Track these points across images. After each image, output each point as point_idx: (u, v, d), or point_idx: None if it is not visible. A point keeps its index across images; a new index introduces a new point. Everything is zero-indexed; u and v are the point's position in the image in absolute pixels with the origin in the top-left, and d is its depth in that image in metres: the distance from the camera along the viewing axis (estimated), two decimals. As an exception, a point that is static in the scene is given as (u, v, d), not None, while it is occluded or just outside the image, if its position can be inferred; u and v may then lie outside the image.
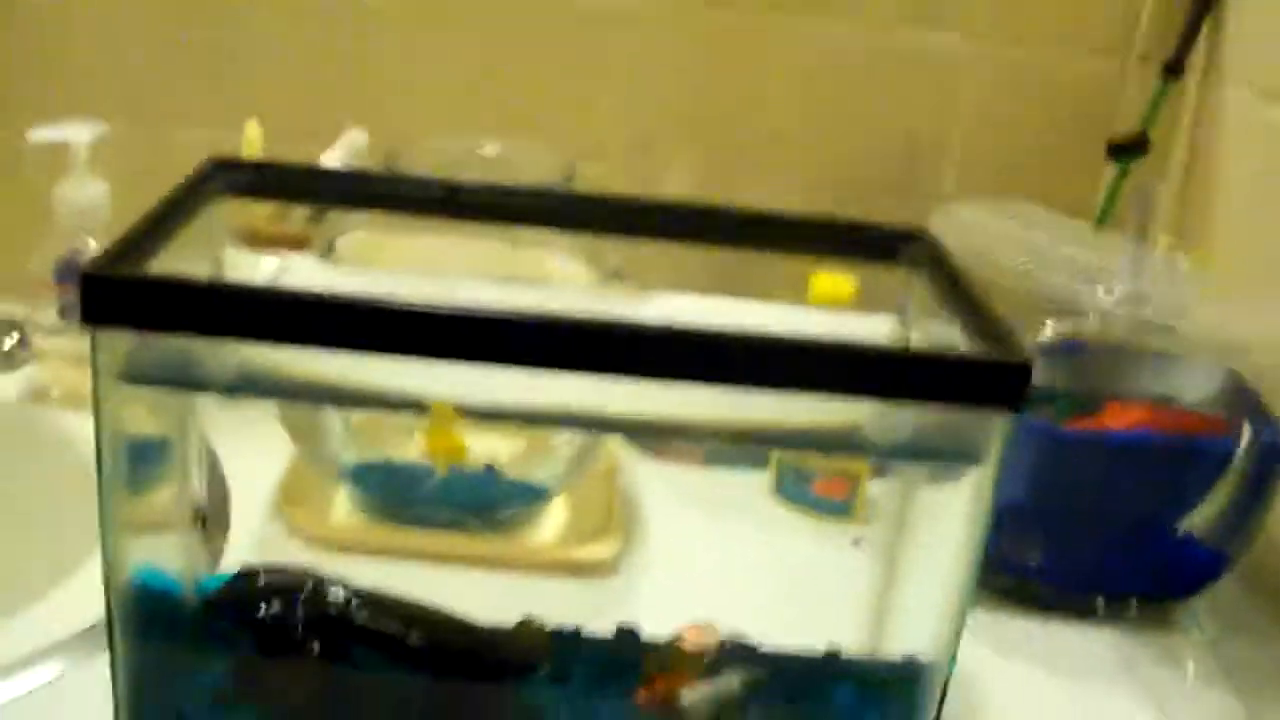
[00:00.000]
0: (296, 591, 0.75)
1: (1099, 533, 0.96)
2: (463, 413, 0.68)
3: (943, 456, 0.68)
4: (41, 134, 1.00)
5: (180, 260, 0.68)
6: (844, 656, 0.82)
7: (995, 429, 0.64)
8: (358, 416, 0.99)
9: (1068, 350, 0.97)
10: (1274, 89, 1.10)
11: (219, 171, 0.78)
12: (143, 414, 0.72)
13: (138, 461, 0.70)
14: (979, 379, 0.62)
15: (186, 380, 0.66)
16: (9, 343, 1.12)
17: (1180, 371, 0.95)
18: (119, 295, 0.60)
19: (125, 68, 1.22)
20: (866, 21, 1.22)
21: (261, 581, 0.76)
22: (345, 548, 0.95)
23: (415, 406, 0.67)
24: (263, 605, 0.74)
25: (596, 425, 0.83)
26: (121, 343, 0.62)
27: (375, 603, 0.75)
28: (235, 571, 0.77)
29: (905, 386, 0.62)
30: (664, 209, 0.81)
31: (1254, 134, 1.12)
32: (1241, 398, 0.94)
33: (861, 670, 0.81)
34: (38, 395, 1.10)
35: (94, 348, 0.62)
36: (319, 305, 0.60)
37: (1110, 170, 1.23)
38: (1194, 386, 0.96)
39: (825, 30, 1.22)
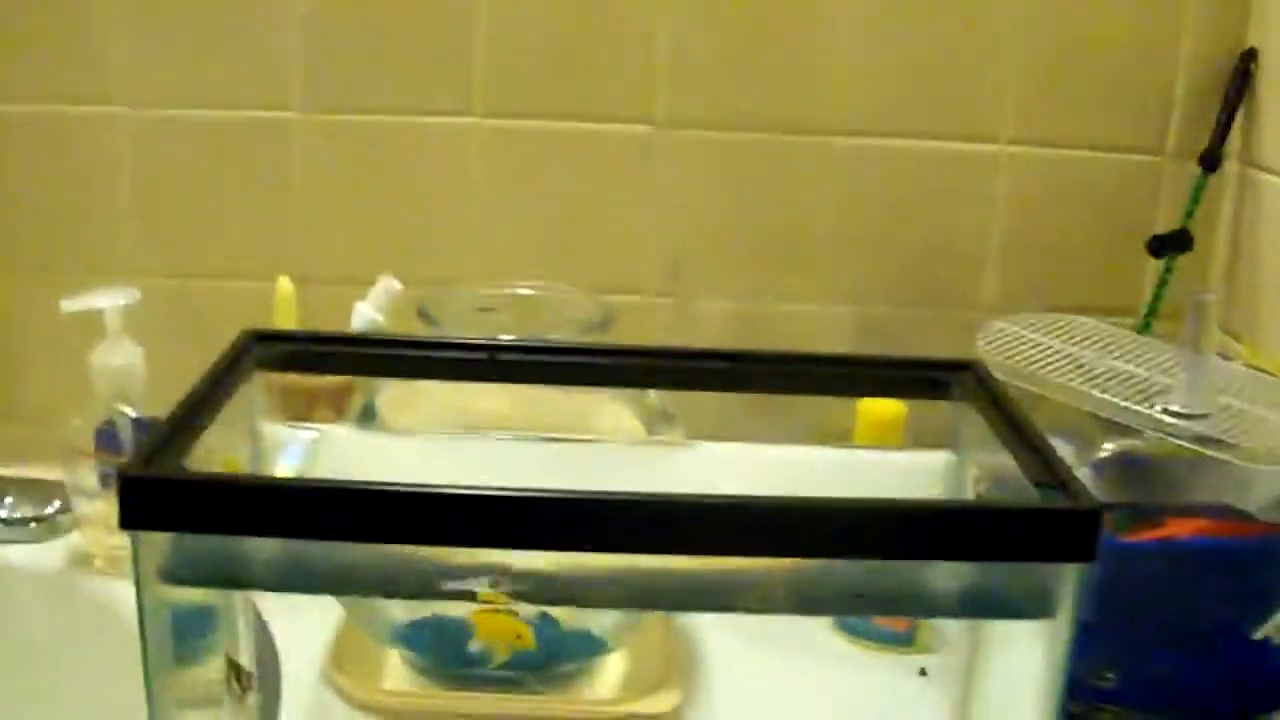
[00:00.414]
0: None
1: (1172, 648, 0.92)
2: (513, 597, 0.66)
3: (1012, 613, 0.65)
4: (74, 304, 1.00)
5: (219, 442, 0.66)
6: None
7: (1067, 580, 0.62)
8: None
9: (1127, 464, 0.95)
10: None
11: (254, 345, 0.77)
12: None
13: (184, 633, 0.69)
14: (1047, 530, 0.60)
15: (229, 578, 0.64)
16: (50, 509, 1.11)
17: (1243, 481, 0.92)
18: (157, 497, 0.59)
19: (160, 222, 1.22)
20: (898, 133, 1.21)
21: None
22: (398, 714, 0.92)
23: (467, 596, 0.65)
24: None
25: (643, 602, 0.80)
26: (163, 543, 0.61)
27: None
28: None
29: (967, 545, 0.60)
30: (704, 356, 0.79)
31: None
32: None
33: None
34: (80, 562, 1.09)
35: (135, 550, 0.60)
36: (352, 497, 0.59)
37: (1153, 269, 1.21)
38: (1257, 494, 0.93)
39: (857, 144, 1.21)
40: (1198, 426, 0.85)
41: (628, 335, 1.02)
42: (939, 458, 0.79)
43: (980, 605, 0.66)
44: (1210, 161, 1.19)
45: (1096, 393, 0.89)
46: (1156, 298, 1.19)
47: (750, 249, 1.23)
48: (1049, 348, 0.96)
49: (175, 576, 0.62)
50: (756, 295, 1.22)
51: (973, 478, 0.77)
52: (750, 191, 1.21)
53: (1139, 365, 0.93)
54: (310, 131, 1.20)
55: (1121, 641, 0.92)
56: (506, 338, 0.81)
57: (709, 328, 1.21)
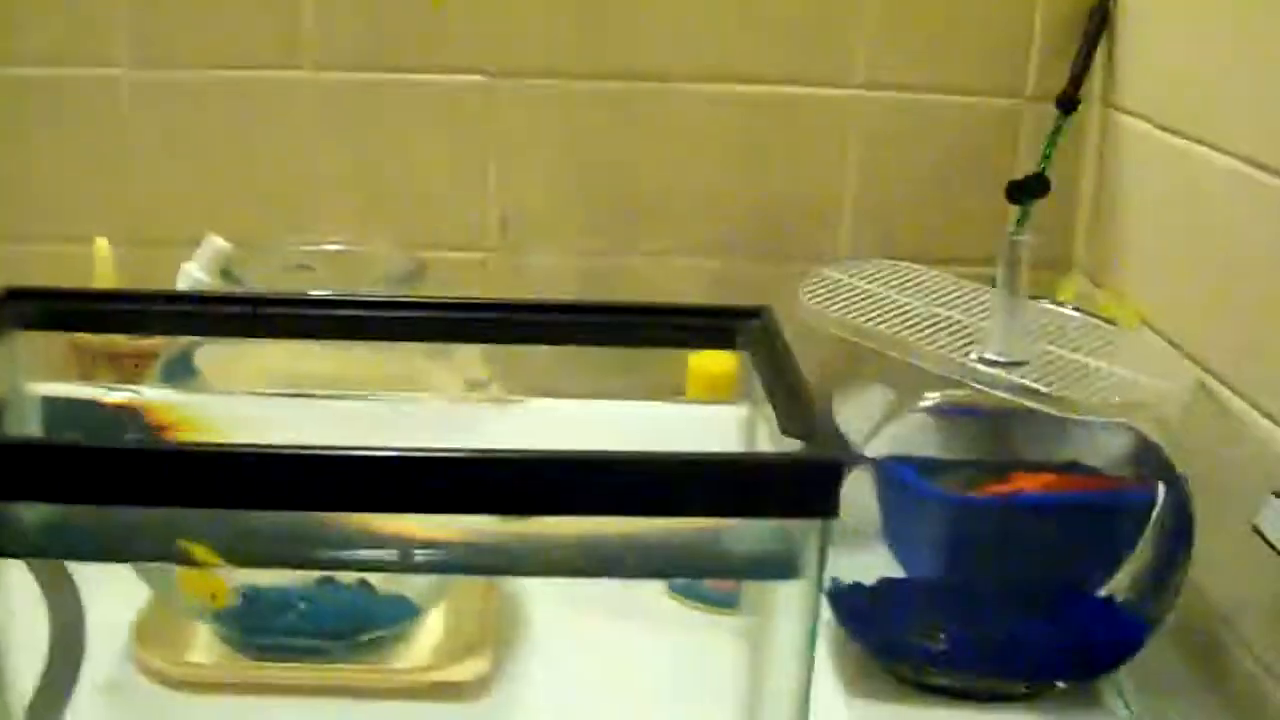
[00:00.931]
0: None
1: (1014, 607, 0.90)
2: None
3: (757, 572, 0.62)
4: None
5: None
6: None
7: (811, 538, 0.58)
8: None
9: (963, 414, 0.91)
10: (1172, 121, 1.04)
11: (12, 302, 0.72)
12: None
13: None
14: (786, 482, 0.56)
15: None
16: None
17: (1085, 434, 0.89)
18: None
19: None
20: (747, 79, 1.17)
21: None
22: (202, 688, 0.88)
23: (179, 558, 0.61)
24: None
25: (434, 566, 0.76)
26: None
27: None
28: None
29: (702, 498, 0.56)
30: (513, 308, 0.75)
31: (1156, 165, 1.07)
32: (1149, 456, 0.88)
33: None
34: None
35: None
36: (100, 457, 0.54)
37: (1012, 216, 1.18)
38: (1100, 449, 0.90)
39: (702, 89, 1.17)
40: (1011, 375, 0.81)
41: (457, 292, 0.98)
42: (739, 409, 0.75)
43: (722, 564, 0.62)
44: (1068, 104, 1.15)
45: (912, 339, 0.85)
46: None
47: (591, 202, 1.19)
48: (874, 295, 0.93)
49: None
50: (598, 251, 1.18)
51: (768, 433, 0.73)
52: (591, 142, 1.18)
53: (966, 313, 0.89)
54: (137, 89, 1.15)
55: (958, 600, 0.89)
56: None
57: (544, 286, 1.17)
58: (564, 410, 0.80)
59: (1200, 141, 0.97)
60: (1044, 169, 1.15)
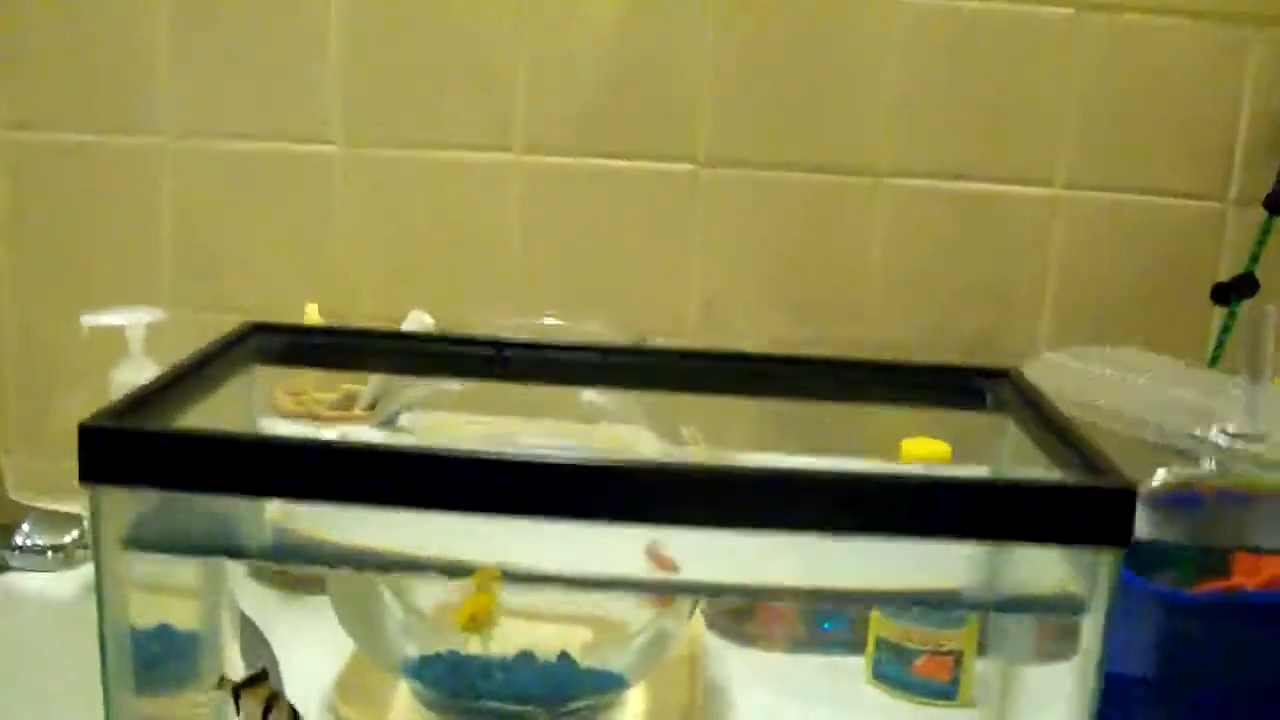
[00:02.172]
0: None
1: (1244, 712, 0.85)
2: (509, 577, 0.61)
3: (1046, 606, 0.60)
4: (96, 319, 0.98)
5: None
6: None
7: (1101, 569, 0.56)
8: (418, 606, 0.92)
9: (1185, 502, 0.89)
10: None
11: (256, 335, 0.74)
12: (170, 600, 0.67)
13: (164, 657, 0.65)
14: (1078, 509, 0.55)
15: (195, 546, 0.60)
16: (68, 539, 1.08)
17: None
18: (121, 449, 0.55)
19: (195, 254, 1.20)
20: (948, 174, 1.17)
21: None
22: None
23: (458, 571, 0.61)
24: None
25: (681, 589, 0.75)
26: (127, 505, 0.57)
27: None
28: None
29: (993, 522, 0.55)
30: (736, 359, 0.76)
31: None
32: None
33: None
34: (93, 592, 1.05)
35: (94, 511, 0.57)
36: (342, 455, 0.55)
37: (1216, 319, 1.16)
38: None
39: (905, 185, 1.17)
40: (1256, 447, 0.79)
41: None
42: (980, 471, 0.74)
43: (1007, 598, 0.61)
44: (1276, 204, 1.14)
45: (1147, 416, 0.83)
46: (1219, 344, 1.14)
47: (791, 291, 1.19)
48: (1098, 375, 0.91)
49: (139, 542, 0.58)
50: (799, 339, 1.18)
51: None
52: (794, 233, 1.18)
53: (1195, 392, 0.87)
54: (349, 166, 1.18)
55: (1187, 704, 0.85)
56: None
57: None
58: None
59: None
60: (1252, 270, 1.14)
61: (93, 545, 0.57)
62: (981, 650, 0.95)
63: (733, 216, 1.18)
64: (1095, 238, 1.18)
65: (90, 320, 0.98)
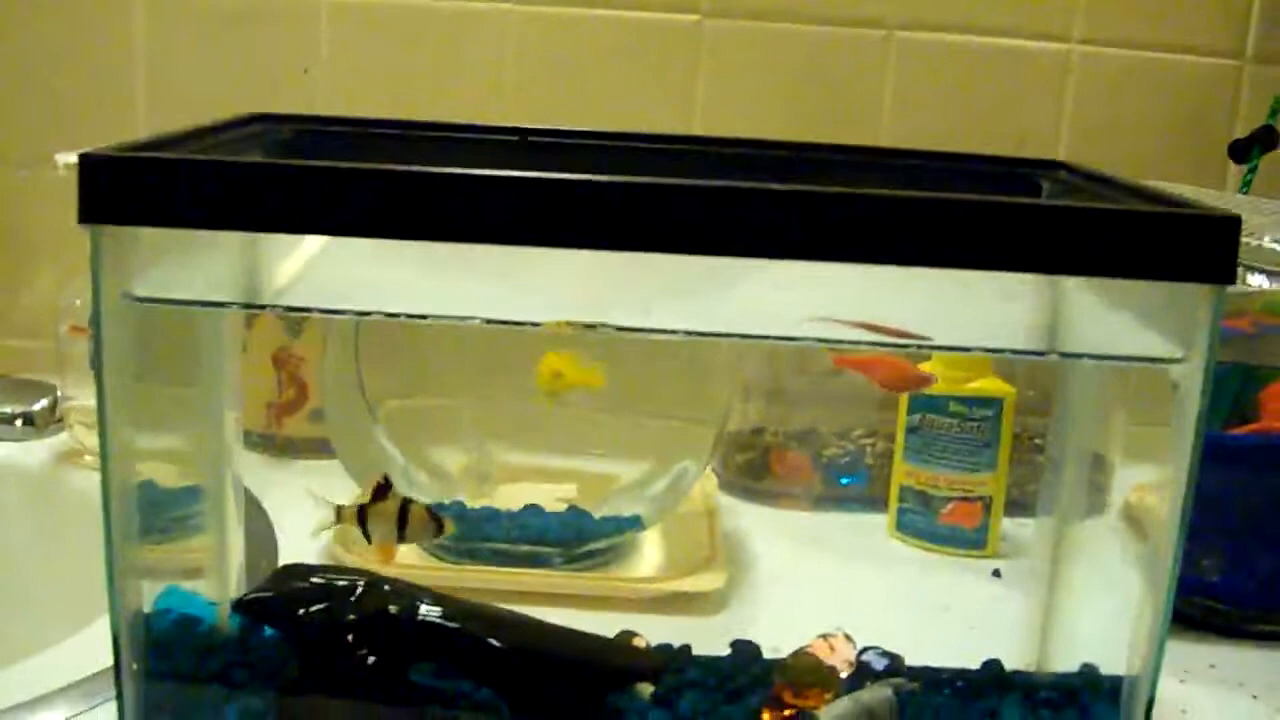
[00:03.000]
0: (350, 590, 0.62)
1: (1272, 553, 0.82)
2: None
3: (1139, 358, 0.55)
4: (69, 156, 0.91)
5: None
6: (1007, 670, 0.69)
7: (1201, 311, 0.52)
8: (424, 458, 0.88)
9: (1227, 337, 0.85)
10: None
11: (257, 123, 0.68)
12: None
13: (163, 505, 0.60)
14: (1177, 239, 0.50)
15: (201, 296, 0.55)
16: (38, 405, 1.02)
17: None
18: (126, 181, 0.50)
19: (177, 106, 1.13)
20: (962, 28, 1.12)
21: (305, 578, 0.63)
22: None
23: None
24: (306, 606, 0.62)
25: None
26: (129, 251, 0.52)
27: (448, 604, 0.63)
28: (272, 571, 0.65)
29: (1085, 256, 0.50)
30: (767, 145, 0.70)
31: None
32: None
33: (1034, 683, 0.68)
34: (67, 459, 1.00)
35: (95, 259, 0.51)
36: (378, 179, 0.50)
37: (1233, 177, 1.12)
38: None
39: (917, 39, 1.12)
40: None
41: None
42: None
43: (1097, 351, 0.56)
44: (1299, 57, 1.10)
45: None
46: (1243, 198, 1.10)
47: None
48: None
49: (140, 296, 0.52)
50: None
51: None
52: (801, 87, 1.13)
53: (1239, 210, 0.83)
54: (337, 13, 1.12)
55: (1225, 538, 0.82)
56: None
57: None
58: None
59: None
60: (1272, 123, 1.10)
61: (93, 300, 0.51)
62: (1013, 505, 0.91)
63: (737, 69, 1.12)
64: (1110, 94, 1.14)
65: (64, 158, 0.92)
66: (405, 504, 0.66)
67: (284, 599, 0.63)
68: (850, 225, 0.50)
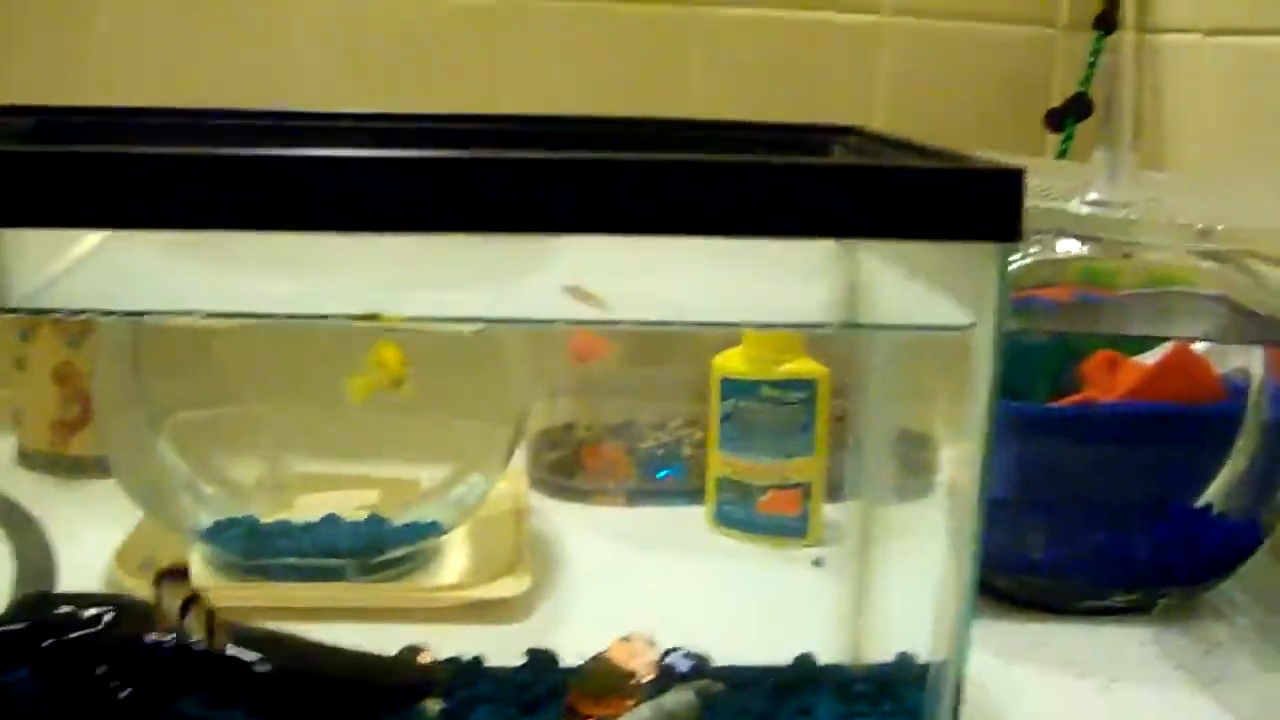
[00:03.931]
0: (100, 618, 0.56)
1: (1105, 519, 0.80)
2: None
3: (926, 326, 0.52)
4: None
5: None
6: (819, 664, 0.66)
7: (987, 270, 0.48)
8: (211, 469, 0.82)
9: (1043, 308, 0.83)
10: (1221, 25, 0.98)
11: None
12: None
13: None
14: (956, 196, 0.47)
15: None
16: None
17: (1172, 309, 0.81)
18: None
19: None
20: (779, 2, 1.09)
21: (55, 607, 0.57)
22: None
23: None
24: (52, 637, 0.56)
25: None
26: None
27: (214, 625, 0.57)
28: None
29: (859, 217, 0.47)
30: (551, 121, 0.66)
31: (1208, 72, 1.00)
32: (1240, 327, 0.80)
33: (844, 676, 0.65)
34: None
35: None
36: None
37: (1052, 146, 1.10)
38: (1189, 325, 0.81)
39: (728, 14, 1.09)
40: (1122, 214, 0.72)
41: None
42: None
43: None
44: (1106, 23, 1.09)
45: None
46: (1058, 169, 1.08)
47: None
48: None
49: None
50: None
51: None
52: (607, 69, 1.09)
53: (1048, 178, 0.81)
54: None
55: (1052, 515, 0.81)
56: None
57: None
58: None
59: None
60: (1085, 91, 1.08)
61: None
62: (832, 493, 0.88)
63: (539, 50, 1.08)
64: (922, 66, 1.12)
65: None
66: (192, 596, 0.59)
67: (27, 631, 0.57)
68: (595, 193, 0.45)
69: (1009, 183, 0.47)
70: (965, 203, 0.47)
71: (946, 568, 0.56)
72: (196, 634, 0.57)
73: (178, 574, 0.59)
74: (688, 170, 0.47)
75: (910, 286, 0.53)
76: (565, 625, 0.76)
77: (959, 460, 0.55)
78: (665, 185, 0.46)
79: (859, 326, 0.54)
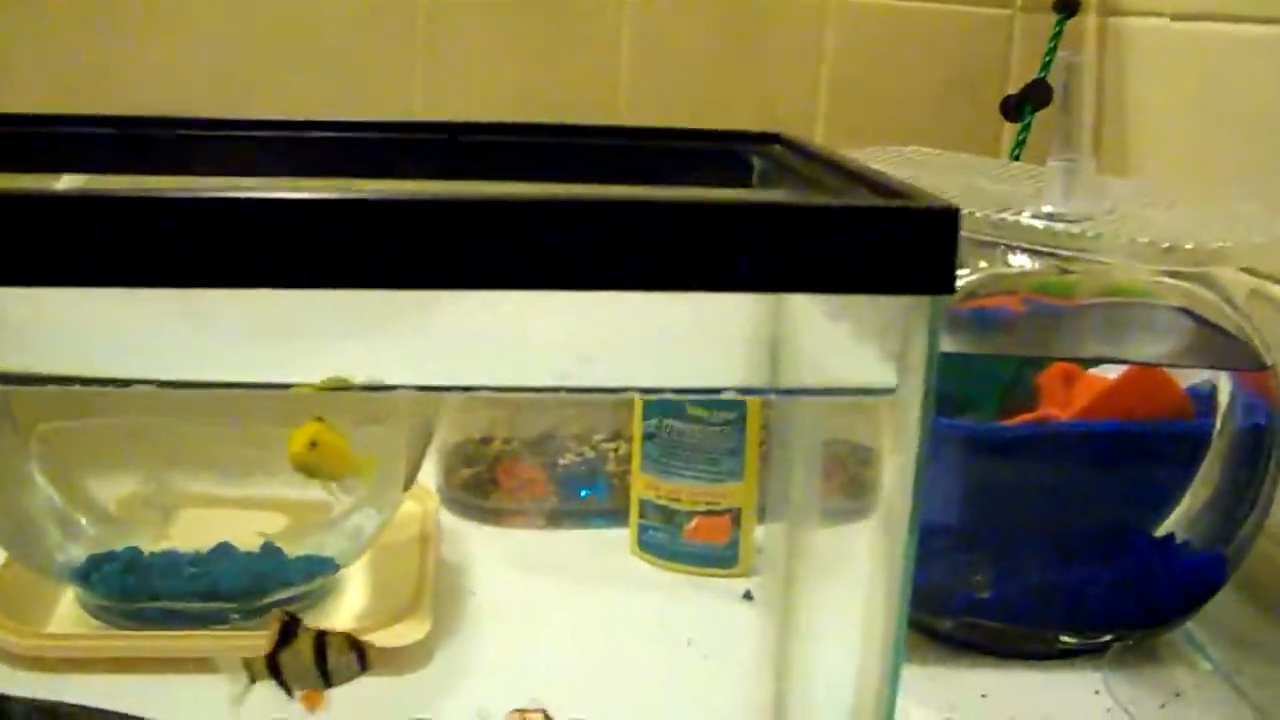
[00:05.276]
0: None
1: (1057, 551, 0.74)
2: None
3: (840, 390, 0.45)
4: None
5: None
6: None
7: (915, 326, 0.41)
8: (88, 498, 0.75)
9: (989, 321, 0.76)
10: (1187, 9, 0.91)
11: None
12: None
13: None
14: (879, 240, 0.40)
15: None
16: None
17: (1132, 323, 0.74)
18: None
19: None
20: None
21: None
22: (62, 665, 0.69)
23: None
24: None
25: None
26: None
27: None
28: None
29: (773, 264, 0.39)
30: (427, 129, 0.59)
31: (1174, 58, 0.93)
32: (1206, 346, 0.73)
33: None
34: None
35: None
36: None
37: (1009, 134, 1.04)
38: (1149, 341, 0.75)
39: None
40: (1077, 228, 0.66)
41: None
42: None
43: (798, 385, 0.46)
44: (1069, 5, 1.02)
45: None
46: (1015, 159, 1.01)
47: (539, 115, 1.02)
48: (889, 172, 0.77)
49: None
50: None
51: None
52: (532, 64, 1.01)
53: (999, 182, 0.74)
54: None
55: (1000, 546, 0.74)
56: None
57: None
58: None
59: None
60: (1044, 77, 1.01)
61: None
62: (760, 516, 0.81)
63: (462, 46, 1.00)
64: (871, 48, 1.05)
65: None
66: (321, 639, 0.56)
67: None
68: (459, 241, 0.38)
69: (941, 224, 0.40)
70: (889, 249, 0.40)
71: (875, 604, 0.49)
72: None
73: (287, 634, 0.56)
74: (581, 212, 0.39)
75: (832, 329, 0.46)
76: (465, 676, 0.69)
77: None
78: (546, 233, 0.39)
79: (772, 392, 0.47)
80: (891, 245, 0.40)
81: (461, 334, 0.43)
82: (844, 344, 0.44)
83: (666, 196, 0.39)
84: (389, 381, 0.45)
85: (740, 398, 0.48)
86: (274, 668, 0.56)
